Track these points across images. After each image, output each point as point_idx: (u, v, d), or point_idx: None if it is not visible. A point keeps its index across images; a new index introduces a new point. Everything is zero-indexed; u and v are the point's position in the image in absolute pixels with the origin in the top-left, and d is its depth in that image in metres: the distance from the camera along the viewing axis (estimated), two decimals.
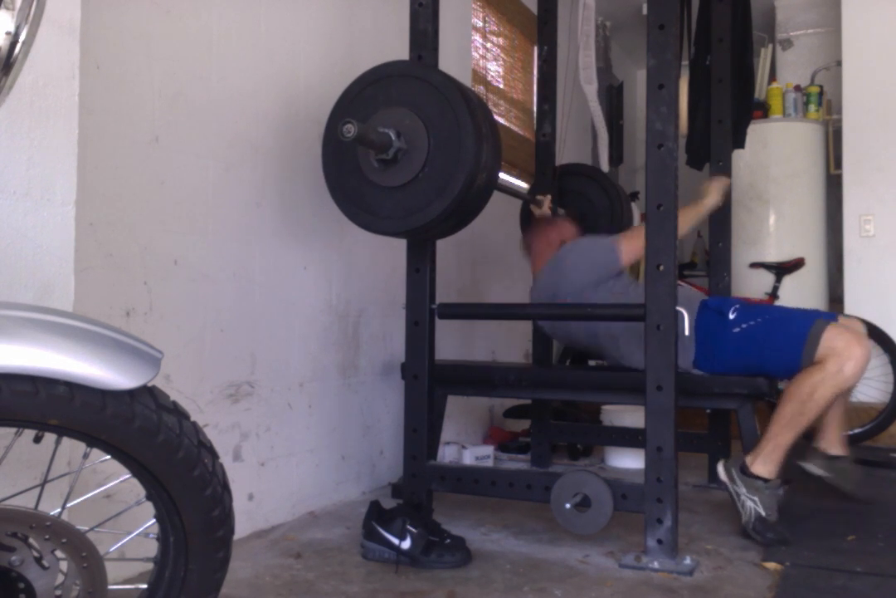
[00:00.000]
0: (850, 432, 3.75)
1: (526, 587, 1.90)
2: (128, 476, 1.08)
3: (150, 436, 1.02)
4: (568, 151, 3.53)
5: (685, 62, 3.74)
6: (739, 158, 4.21)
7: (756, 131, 4.47)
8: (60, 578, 1.00)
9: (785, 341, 2.36)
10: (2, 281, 1.43)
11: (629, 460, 3.38)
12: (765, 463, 2.29)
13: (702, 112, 3.65)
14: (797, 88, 4.91)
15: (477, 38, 3.90)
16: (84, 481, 1.49)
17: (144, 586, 1.12)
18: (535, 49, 3.53)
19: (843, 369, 2.22)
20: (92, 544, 1.00)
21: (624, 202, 3.37)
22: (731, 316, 2.48)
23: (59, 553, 0.99)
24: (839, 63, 4.67)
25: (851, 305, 4.32)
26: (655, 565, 2.01)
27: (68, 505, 1.07)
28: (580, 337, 2.76)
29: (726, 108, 3.33)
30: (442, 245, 2.56)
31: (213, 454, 1.09)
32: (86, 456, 1.05)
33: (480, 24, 3.96)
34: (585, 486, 2.12)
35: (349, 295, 2.79)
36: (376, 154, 2.07)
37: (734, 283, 3.52)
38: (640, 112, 4.34)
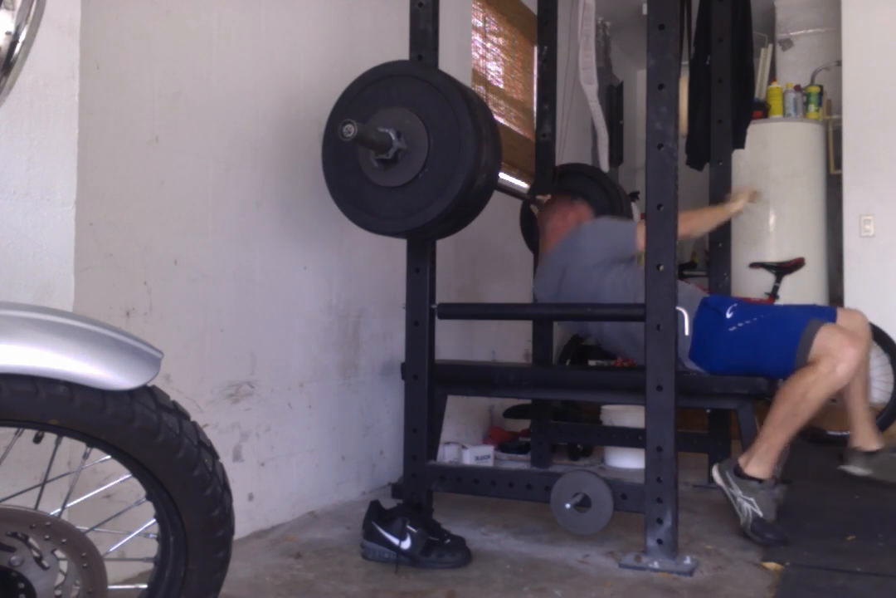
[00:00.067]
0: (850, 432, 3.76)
1: (526, 587, 1.90)
2: (128, 476, 1.08)
3: (150, 436, 1.02)
4: (568, 151, 3.53)
5: (685, 62, 3.74)
6: (739, 158, 4.21)
7: (756, 131, 4.47)
8: (60, 578, 1.00)
9: (779, 341, 2.36)
10: (2, 281, 1.43)
11: (629, 460, 3.38)
12: (759, 464, 2.29)
13: (702, 112, 3.66)
14: (797, 88, 4.91)
15: (477, 38, 3.90)
16: (84, 481, 1.49)
17: (144, 586, 1.12)
18: (535, 49, 3.53)
19: (836, 370, 2.22)
20: (92, 544, 1.00)
21: (624, 202, 3.37)
22: (729, 315, 2.48)
23: (59, 553, 0.99)
24: (839, 63, 4.67)
25: (851, 305, 4.31)
26: (655, 565, 2.01)
27: (68, 505, 1.07)
28: (612, 335, 2.72)
29: (726, 108, 3.34)
30: (442, 245, 2.56)
31: (213, 454, 1.09)
32: (86, 456, 1.05)
33: (480, 24, 3.96)
34: (585, 486, 2.12)
35: (349, 295, 2.79)
36: (376, 154, 2.07)
37: (734, 283, 3.52)
38: (640, 112, 4.34)
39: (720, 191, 3.29)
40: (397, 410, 2.99)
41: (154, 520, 1.10)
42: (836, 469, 2.71)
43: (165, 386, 1.84)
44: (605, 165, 3.91)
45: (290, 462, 2.49)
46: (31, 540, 0.97)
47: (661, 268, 2.05)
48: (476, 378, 2.74)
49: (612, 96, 5.66)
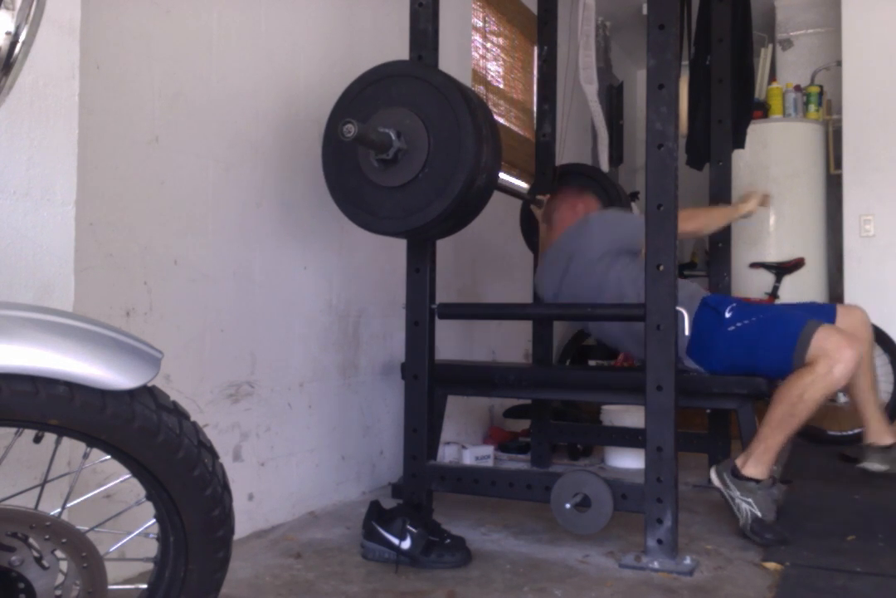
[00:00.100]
0: (850, 432, 3.76)
1: (526, 587, 1.90)
2: (128, 476, 1.08)
3: (150, 436, 1.02)
4: (568, 151, 3.53)
5: (685, 62, 3.74)
6: (739, 158, 4.21)
7: (756, 131, 4.47)
8: (60, 578, 1.00)
9: (777, 342, 2.36)
10: (2, 281, 1.43)
11: (629, 460, 3.38)
12: (756, 465, 2.29)
13: (702, 112, 3.66)
14: (797, 88, 4.91)
15: (477, 38, 3.90)
16: (84, 481, 1.49)
17: (144, 586, 1.12)
18: (535, 49, 3.53)
19: (833, 371, 2.22)
20: (92, 544, 1.00)
21: (624, 202, 3.37)
22: (727, 315, 2.48)
23: (59, 553, 0.99)
24: (839, 63, 4.67)
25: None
26: (655, 565, 2.01)
27: (68, 505, 1.07)
28: (614, 331, 2.71)
29: (726, 108, 3.34)
30: (442, 245, 2.56)
31: (213, 454, 1.09)
32: (86, 456, 1.05)
33: (480, 24, 3.96)
34: (585, 486, 2.12)
35: (349, 295, 2.79)
36: (376, 154, 2.07)
37: (734, 283, 3.52)
38: (640, 112, 4.34)
39: (720, 191, 3.29)
40: (397, 410, 2.99)
41: (154, 520, 1.10)
42: (855, 467, 2.71)
43: (165, 386, 1.84)
44: (605, 165, 3.91)
45: (290, 462, 2.49)
46: (31, 540, 0.97)
47: (661, 268, 2.05)
48: (476, 378, 2.74)
49: (612, 96, 5.66)
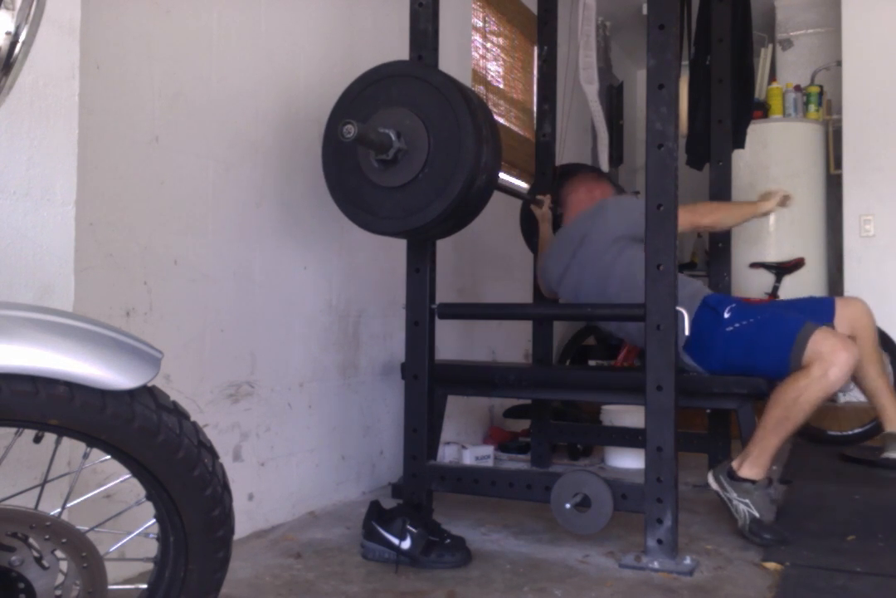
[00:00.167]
0: (850, 432, 3.77)
1: (526, 587, 1.90)
2: (128, 476, 1.08)
3: (150, 436, 1.02)
4: (568, 151, 3.53)
5: (685, 62, 3.74)
6: (739, 158, 4.20)
7: (756, 131, 4.47)
8: (60, 578, 1.00)
9: (773, 343, 2.36)
10: (2, 281, 1.43)
11: (629, 460, 3.38)
12: (752, 466, 2.29)
13: (702, 112, 3.66)
14: (797, 88, 4.91)
15: (477, 38, 3.90)
16: (84, 481, 1.49)
17: (144, 586, 1.12)
18: (535, 49, 3.53)
19: (828, 374, 2.22)
20: (92, 544, 1.00)
21: None
22: (726, 315, 2.48)
23: (59, 553, 0.99)
24: (839, 63, 4.67)
25: None
26: (655, 565, 2.01)
27: (68, 505, 1.07)
28: (630, 329, 2.69)
29: (726, 108, 3.34)
30: (442, 245, 2.56)
31: (213, 454, 1.09)
32: (86, 456, 1.05)
33: (480, 24, 3.96)
34: (585, 486, 2.12)
35: (349, 295, 2.79)
36: (376, 154, 2.07)
37: (734, 283, 3.52)
38: (640, 112, 4.34)
39: (720, 191, 3.29)
40: (397, 410, 2.99)
41: (154, 520, 1.10)
42: (880, 458, 2.70)
43: (165, 386, 1.84)
44: (605, 165, 3.90)
45: (290, 462, 2.49)
46: (31, 540, 0.97)
47: (661, 268, 2.05)
48: (476, 378, 2.74)
49: (612, 96, 5.66)
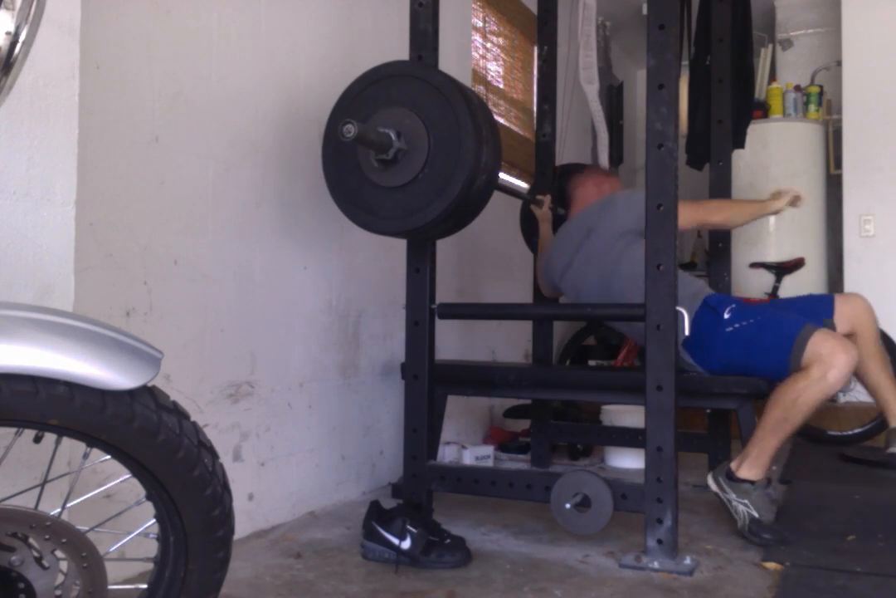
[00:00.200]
0: (850, 432, 3.77)
1: (526, 587, 1.90)
2: (128, 476, 1.08)
3: (150, 436, 1.02)
4: (568, 151, 3.52)
5: (685, 62, 3.74)
6: (739, 158, 4.20)
7: (756, 131, 4.46)
8: (60, 578, 1.00)
9: (773, 345, 2.36)
10: (2, 281, 1.43)
11: (629, 460, 3.38)
12: (750, 467, 2.29)
13: (702, 112, 3.66)
14: (797, 88, 4.91)
15: (477, 38, 3.90)
16: (84, 481, 1.49)
17: (144, 586, 1.12)
18: (535, 49, 3.53)
19: (827, 377, 2.22)
20: (92, 544, 1.00)
21: None
22: (726, 316, 2.48)
23: (59, 553, 0.99)
24: (839, 63, 4.67)
25: None
26: (655, 565, 2.01)
27: (68, 505, 1.07)
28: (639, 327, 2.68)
29: (726, 108, 3.34)
30: (442, 245, 2.56)
31: (213, 454, 1.09)
32: (86, 456, 1.05)
33: (480, 24, 3.96)
34: (585, 486, 2.12)
35: (349, 295, 2.79)
36: (376, 154, 2.07)
37: (734, 283, 3.52)
38: (640, 112, 4.34)
39: (720, 191, 3.29)
40: (397, 410, 2.99)
41: (154, 520, 1.10)
42: (885, 453, 2.70)
43: (165, 386, 1.84)
44: (605, 165, 3.90)
45: (290, 462, 2.49)
46: (31, 540, 0.97)
47: (661, 268, 2.05)
48: (476, 378, 2.74)
49: (612, 96, 5.66)
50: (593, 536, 2.24)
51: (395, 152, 2.05)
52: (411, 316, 2.33)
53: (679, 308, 2.06)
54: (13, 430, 1.00)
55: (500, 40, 4.22)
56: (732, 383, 2.48)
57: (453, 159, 2.00)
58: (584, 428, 3.40)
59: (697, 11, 3.73)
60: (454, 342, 3.50)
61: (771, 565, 2.05)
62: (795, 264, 4.53)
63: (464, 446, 3.30)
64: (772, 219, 4.70)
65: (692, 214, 2.60)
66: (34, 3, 0.97)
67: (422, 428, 2.31)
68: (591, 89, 3.55)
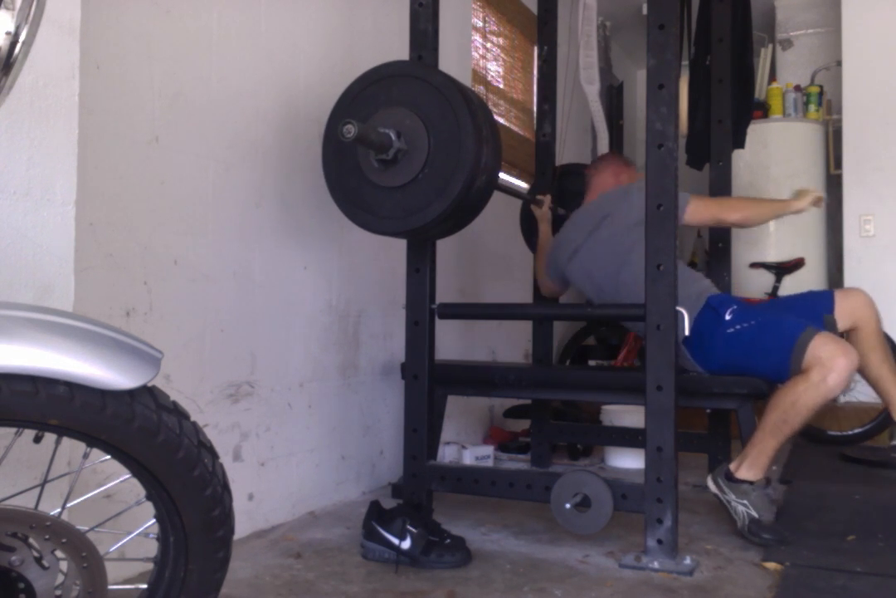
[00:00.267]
0: (850, 432, 3.77)
1: (526, 587, 1.90)
2: (128, 476, 1.08)
3: (150, 436, 1.02)
4: (568, 151, 3.53)
5: (685, 62, 3.74)
6: (739, 158, 4.20)
7: (756, 131, 4.47)
8: (60, 578, 1.00)
9: (773, 347, 2.35)
10: (2, 281, 1.43)
11: (629, 460, 3.38)
12: (749, 468, 2.29)
13: (702, 112, 3.66)
14: (797, 88, 4.91)
15: (477, 38, 3.90)
16: (84, 481, 1.49)
17: (144, 586, 1.12)
18: (535, 49, 3.53)
19: (826, 380, 2.21)
20: (92, 544, 1.00)
21: None
22: (727, 317, 2.48)
23: (59, 553, 0.99)
24: (839, 63, 4.67)
25: None
26: (655, 565, 2.01)
27: (68, 505, 1.07)
28: None
29: (726, 108, 3.34)
30: (442, 245, 2.56)
31: (213, 454, 1.09)
32: (86, 456, 1.05)
33: (480, 24, 3.96)
34: (585, 486, 2.12)
35: (349, 295, 2.79)
36: (376, 154, 2.07)
37: (734, 283, 3.52)
38: (640, 112, 4.34)
39: (720, 191, 3.29)
40: (397, 410, 2.99)
41: (154, 520, 1.10)
42: (890, 445, 2.69)
43: (165, 386, 1.84)
44: None
45: (290, 462, 2.49)
46: (31, 540, 0.97)
47: (661, 268, 2.05)
48: (476, 378, 2.74)
49: (612, 96, 5.66)
50: (593, 536, 2.24)
51: (395, 152, 2.05)
52: (411, 316, 2.33)
53: (679, 308, 2.06)
54: (13, 430, 1.00)
55: (500, 40, 4.22)
56: (732, 383, 2.48)
57: (453, 159, 2.00)
58: (584, 428, 3.40)
59: (697, 11, 3.73)
60: (454, 342, 3.50)
61: (771, 565, 2.05)
62: (795, 264, 4.53)
63: (464, 446, 3.30)
64: None
65: (708, 211, 2.59)
66: (34, 3, 0.97)
67: (422, 428, 2.31)
68: (592, 89, 3.55)
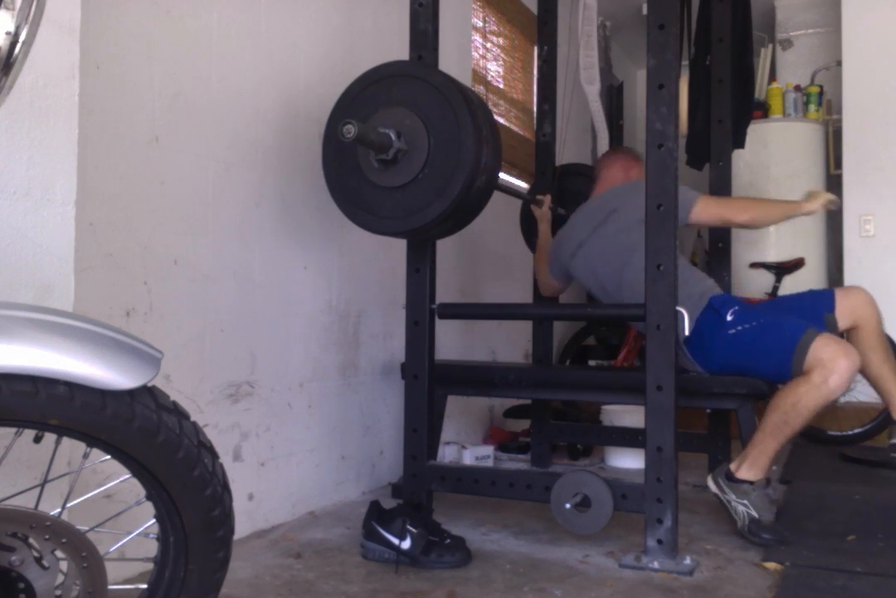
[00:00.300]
0: (850, 432, 3.77)
1: (526, 587, 1.90)
2: (128, 476, 1.08)
3: (150, 436, 1.02)
4: (568, 151, 3.53)
5: (685, 62, 3.74)
6: (739, 158, 4.21)
7: (756, 131, 4.47)
8: (60, 578, 1.00)
9: (775, 348, 2.35)
10: (2, 281, 1.43)
11: (629, 460, 3.38)
12: (750, 468, 2.29)
13: (702, 112, 3.66)
14: (797, 88, 4.91)
15: (477, 38, 3.90)
16: (84, 481, 1.49)
17: (144, 586, 1.12)
18: (535, 49, 3.53)
19: (828, 382, 2.21)
20: (92, 544, 1.00)
21: None
22: (729, 318, 2.47)
23: (59, 553, 0.99)
24: (839, 63, 4.67)
25: None
26: (655, 565, 2.01)
27: (68, 505, 1.07)
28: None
29: (726, 108, 3.34)
30: (442, 245, 2.56)
31: (213, 454, 1.09)
32: (86, 456, 1.05)
33: (480, 24, 3.96)
34: (585, 486, 2.12)
35: (349, 295, 2.79)
36: (376, 154, 2.07)
37: (734, 283, 3.52)
38: (640, 112, 4.34)
39: (720, 191, 3.29)
40: (397, 410, 2.99)
41: (154, 520, 1.10)
42: (890, 444, 2.69)
43: (165, 386, 1.84)
44: None
45: (290, 462, 2.49)
46: (31, 540, 0.97)
47: (661, 268, 2.05)
48: (476, 378, 2.74)
49: (612, 96, 5.66)
50: (593, 536, 2.24)
51: (395, 152, 2.05)
52: (411, 316, 2.33)
53: (679, 308, 2.06)
54: (13, 430, 1.00)
55: (500, 40, 4.22)
56: (732, 383, 2.48)
57: (453, 159, 2.00)
58: (584, 428, 3.40)
59: (697, 11, 3.73)
60: (454, 342, 3.50)
61: (771, 565, 2.05)
62: (795, 264, 4.53)
63: (464, 446, 3.30)
64: None
65: (715, 211, 2.58)
66: (34, 3, 0.97)
67: (422, 428, 2.31)
68: (592, 90, 3.56)
